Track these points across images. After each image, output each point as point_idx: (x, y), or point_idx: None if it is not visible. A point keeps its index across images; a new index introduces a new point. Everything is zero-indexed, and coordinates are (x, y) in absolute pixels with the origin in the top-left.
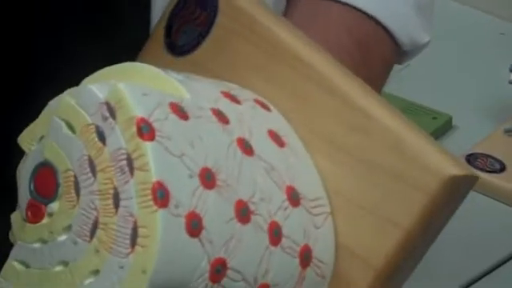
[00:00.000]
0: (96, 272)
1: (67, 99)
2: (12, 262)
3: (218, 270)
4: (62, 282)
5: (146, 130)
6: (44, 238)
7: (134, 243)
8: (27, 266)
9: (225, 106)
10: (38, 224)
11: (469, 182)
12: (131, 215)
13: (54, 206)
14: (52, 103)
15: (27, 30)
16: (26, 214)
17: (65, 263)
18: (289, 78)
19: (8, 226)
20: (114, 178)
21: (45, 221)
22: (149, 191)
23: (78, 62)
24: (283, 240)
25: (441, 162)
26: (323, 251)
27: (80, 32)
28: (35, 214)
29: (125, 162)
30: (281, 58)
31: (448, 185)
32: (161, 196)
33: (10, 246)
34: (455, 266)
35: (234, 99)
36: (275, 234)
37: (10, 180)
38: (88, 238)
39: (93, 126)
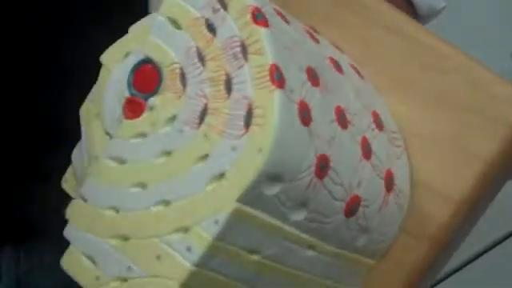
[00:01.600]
0: (204, 157)
1: None
2: (105, 160)
3: (323, 166)
4: (164, 172)
5: (260, 17)
6: (144, 132)
7: (247, 125)
8: (122, 163)
9: (311, 32)
10: (137, 119)
11: None
12: (245, 98)
13: (156, 100)
14: (134, 26)
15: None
16: (124, 112)
17: (168, 153)
18: (357, 25)
19: None
20: (226, 65)
21: (145, 115)
22: (266, 73)
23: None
24: (372, 157)
25: None
26: (402, 181)
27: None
28: (134, 109)
29: (238, 49)
30: (348, 6)
31: None
32: (278, 77)
33: None
34: None
35: (315, 35)
36: (367, 149)
37: None
38: (196, 125)
39: (202, 19)
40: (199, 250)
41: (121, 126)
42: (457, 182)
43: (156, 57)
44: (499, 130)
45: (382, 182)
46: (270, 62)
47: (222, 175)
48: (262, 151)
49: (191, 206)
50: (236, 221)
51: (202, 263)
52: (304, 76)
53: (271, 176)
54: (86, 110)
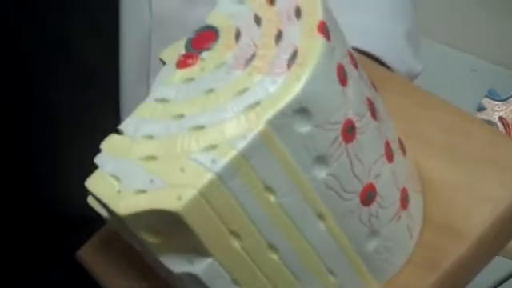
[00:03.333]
0: (244, 90)
1: None
2: (148, 102)
3: (349, 130)
4: (203, 104)
5: None
6: (192, 77)
7: (290, 65)
8: (166, 102)
9: None
10: (188, 68)
11: None
12: (293, 44)
13: (209, 53)
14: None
15: None
16: (177, 64)
17: (210, 90)
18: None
19: None
20: (280, 24)
21: (196, 65)
22: (315, 26)
23: None
24: (392, 164)
25: None
26: (415, 209)
27: None
28: (187, 61)
29: (293, 12)
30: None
31: None
32: (325, 30)
33: None
34: None
35: None
36: (389, 152)
37: None
38: (242, 67)
39: None
40: (223, 160)
41: (171, 75)
42: (471, 221)
43: (216, 23)
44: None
45: (398, 194)
46: (320, 18)
47: (257, 103)
48: (298, 81)
49: (223, 129)
50: (262, 143)
51: (223, 175)
52: (345, 52)
53: (303, 108)
54: None
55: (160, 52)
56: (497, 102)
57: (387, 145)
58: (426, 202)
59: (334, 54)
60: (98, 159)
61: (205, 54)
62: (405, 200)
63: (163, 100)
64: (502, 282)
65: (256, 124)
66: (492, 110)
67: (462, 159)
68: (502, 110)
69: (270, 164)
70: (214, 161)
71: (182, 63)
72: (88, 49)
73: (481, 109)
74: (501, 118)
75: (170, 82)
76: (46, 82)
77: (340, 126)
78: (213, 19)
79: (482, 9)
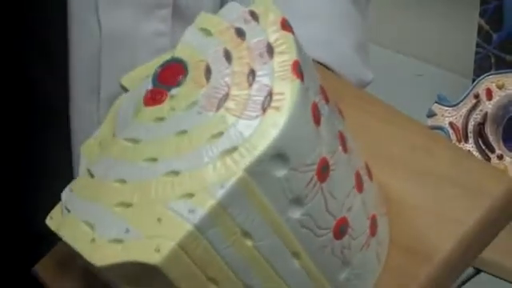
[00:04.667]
0: (219, 134)
1: (205, 13)
2: (118, 141)
3: (324, 169)
4: (177, 147)
5: (289, 25)
6: (163, 116)
7: (265, 108)
8: (136, 142)
9: None
10: (157, 106)
11: None
12: (266, 85)
13: (178, 90)
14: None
15: None
16: (145, 100)
17: (183, 131)
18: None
19: None
20: (252, 62)
21: (166, 102)
22: (289, 67)
23: None
24: (363, 193)
25: (501, 172)
26: (383, 234)
27: None
28: (155, 98)
29: (265, 49)
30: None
31: (510, 191)
32: (299, 71)
33: None
34: None
35: None
36: (359, 182)
37: None
38: (214, 109)
39: (232, 28)
40: (202, 211)
41: (139, 113)
42: (436, 243)
43: (184, 56)
44: (482, 200)
45: (368, 223)
46: (294, 58)
47: (234, 149)
48: (276, 126)
49: (200, 176)
50: (240, 191)
51: (202, 226)
52: (317, 88)
53: (280, 154)
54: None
55: (121, 78)
56: (447, 108)
57: (357, 175)
58: (391, 224)
59: (308, 95)
60: (68, 203)
61: (174, 91)
62: (373, 226)
63: (133, 140)
64: (459, 286)
65: (234, 171)
66: (442, 115)
67: (425, 179)
68: (452, 116)
69: (247, 209)
70: (191, 211)
71: (149, 100)
72: (36, 70)
73: (431, 115)
74: (451, 124)
75: (138, 121)
76: None
77: (315, 167)
78: (180, 52)
79: (425, 13)
